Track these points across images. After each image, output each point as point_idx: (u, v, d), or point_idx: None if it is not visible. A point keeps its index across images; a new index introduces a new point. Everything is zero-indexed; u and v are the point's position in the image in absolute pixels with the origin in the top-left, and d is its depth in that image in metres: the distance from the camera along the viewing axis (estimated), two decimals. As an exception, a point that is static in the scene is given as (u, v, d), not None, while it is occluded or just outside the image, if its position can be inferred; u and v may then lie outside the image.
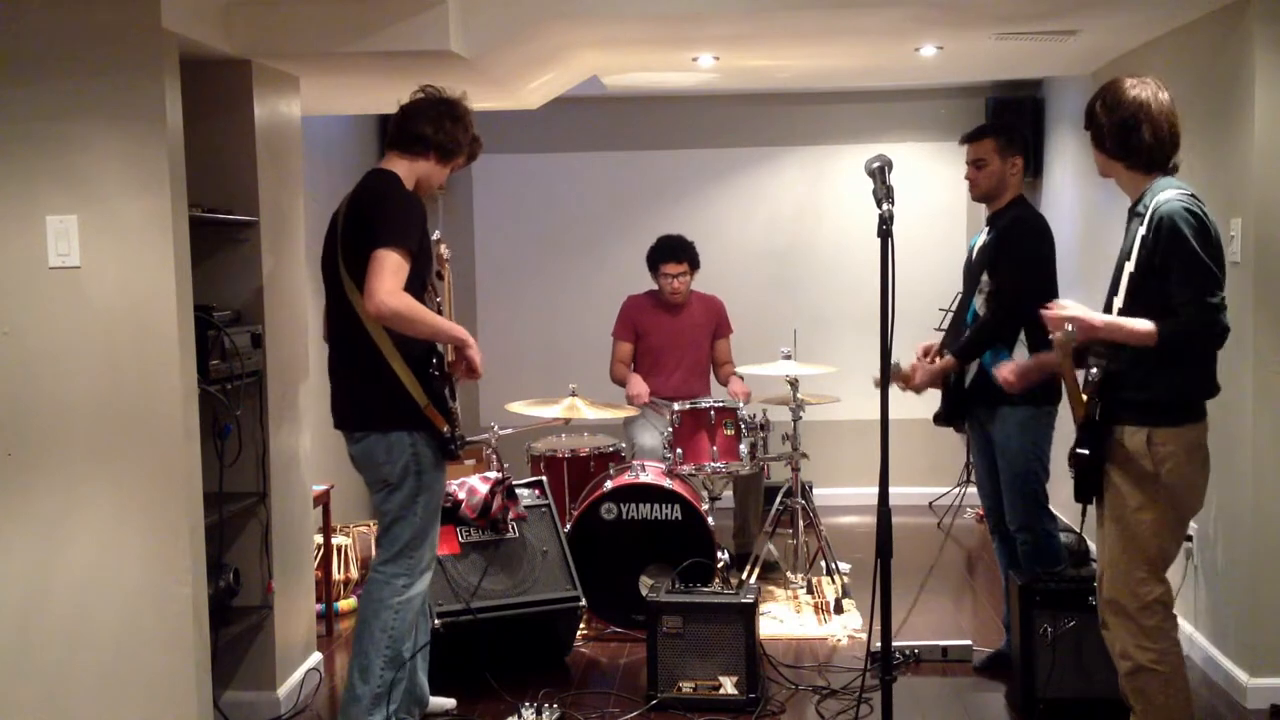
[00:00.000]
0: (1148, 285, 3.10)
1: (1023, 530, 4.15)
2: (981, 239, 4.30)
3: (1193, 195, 3.13)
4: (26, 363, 3.30)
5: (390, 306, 3.30)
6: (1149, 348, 3.04)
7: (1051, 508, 6.59)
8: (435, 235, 4.06)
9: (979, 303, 4.18)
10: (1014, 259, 4.12)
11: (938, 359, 4.16)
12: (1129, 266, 3.16)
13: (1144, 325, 3.04)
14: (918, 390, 4.15)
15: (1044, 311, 3.18)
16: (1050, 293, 3.94)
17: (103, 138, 3.26)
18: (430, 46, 3.77)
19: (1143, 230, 3.12)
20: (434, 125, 3.56)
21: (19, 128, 3.26)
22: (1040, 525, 4.15)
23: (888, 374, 3.21)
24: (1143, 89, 3.19)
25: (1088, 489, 3.27)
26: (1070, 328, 3.07)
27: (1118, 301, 3.18)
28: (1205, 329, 3.05)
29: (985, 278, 4.16)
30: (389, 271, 3.31)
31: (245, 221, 3.92)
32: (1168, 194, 3.11)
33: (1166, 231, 3.05)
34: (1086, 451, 3.20)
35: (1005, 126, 4.45)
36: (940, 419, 4.31)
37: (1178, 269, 3.05)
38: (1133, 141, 3.18)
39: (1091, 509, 3.39)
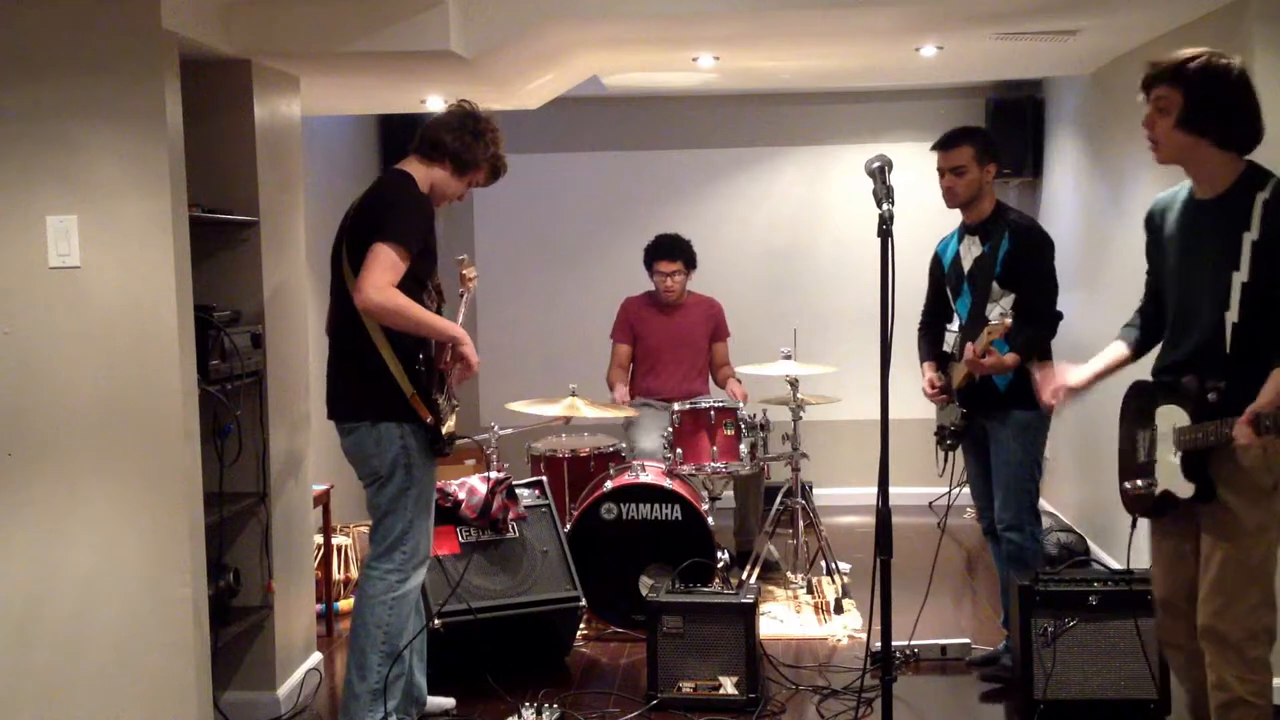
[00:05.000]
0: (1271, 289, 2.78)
1: (1012, 530, 4.14)
2: (962, 249, 4.24)
3: None
4: (26, 363, 3.30)
5: (376, 301, 3.35)
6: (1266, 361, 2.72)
7: (1051, 508, 6.60)
8: (463, 256, 4.16)
9: (996, 315, 4.09)
10: (1041, 273, 4.12)
11: (949, 374, 4.16)
12: (1249, 235, 2.79)
13: None
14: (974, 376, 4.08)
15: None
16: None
17: (103, 138, 3.26)
18: (430, 46, 3.77)
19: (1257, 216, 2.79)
20: (453, 135, 3.65)
21: (19, 128, 3.27)
22: (1029, 526, 4.14)
23: (887, 374, 3.17)
24: (1233, 61, 2.84)
25: (1165, 507, 3.02)
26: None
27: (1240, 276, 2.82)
28: None
29: (997, 288, 4.10)
30: (382, 266, 3.36)
31: (245, 221, 3.92)
32: None
33: None
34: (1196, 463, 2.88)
35: (981, 133, 4.34)
36: (956, 432, 4.27)
37: None
38: (1240, 124, 2.84)
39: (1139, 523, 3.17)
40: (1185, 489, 2.92)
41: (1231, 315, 2.82)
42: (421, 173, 3.66)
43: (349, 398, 3.61)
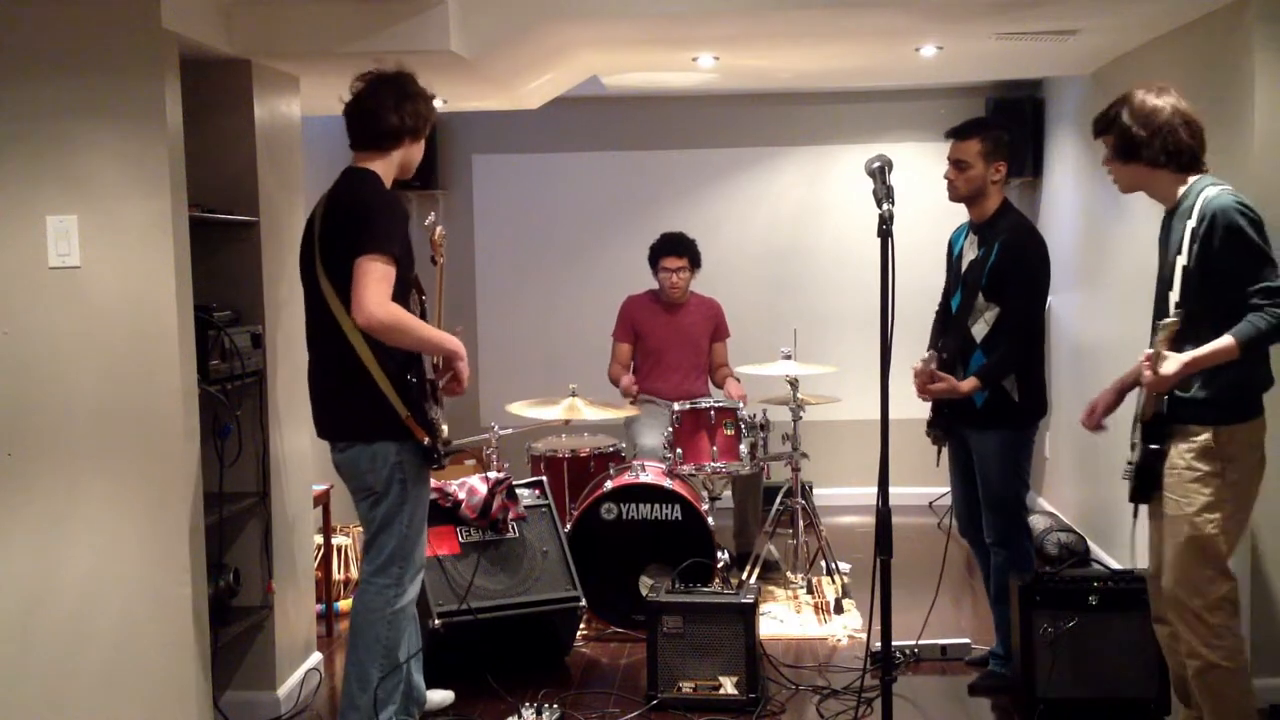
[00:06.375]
0: (1204, 280, 3.09)
1: (1000, 545, 4.11)
2: (967, 244, 4.16)
3: (1232, 190, 3.14)
4: (26, 363, 3.31)
5: (379, 318, 3.24)
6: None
7: (1051, 508, 6.59)
8: (430, 219, 4.02)
9: (978, 327, 4.02)
10: (1029, 287, 3.99)
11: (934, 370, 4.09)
12: (1181, 260, 3.12)
13: (1223, 343, 3.01)
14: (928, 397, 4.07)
15: (1147, 380, 3.11)
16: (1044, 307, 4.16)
17: (103, 138, 3.26)
18: (430, 46, 3.77)
19: (1192, 224, 3.10)
20: (397, 113, 3.46)
21: (19, 128, 3.27)
22: (1018, 541, 4.12)
23: (887, 373, 3.17)
24: (1164, 94, 3.21)
25: (1146, 490, 3.25)
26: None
27: (1173, 295, 3.14)
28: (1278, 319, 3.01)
29: (982, 299, 4.01)
30: (375, 281, 3.25)
31: (245, 221, 3.92)
32: (1214, 190, 3.12)
33: (1223, 228, 3.04)
34: (1152, 449, 3.19)
35: (994, 129, 4.16)
36: (937, 432, 4.25)
37: (1241, 262, 3.04)
38: (1170, 145, 3.17)
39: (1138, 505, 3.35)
40: (1136, 454, 3.23)
41: (1174, 295, 3.13)
42: (382, 166, 3.49)
43: (340, 418, 3.50)
